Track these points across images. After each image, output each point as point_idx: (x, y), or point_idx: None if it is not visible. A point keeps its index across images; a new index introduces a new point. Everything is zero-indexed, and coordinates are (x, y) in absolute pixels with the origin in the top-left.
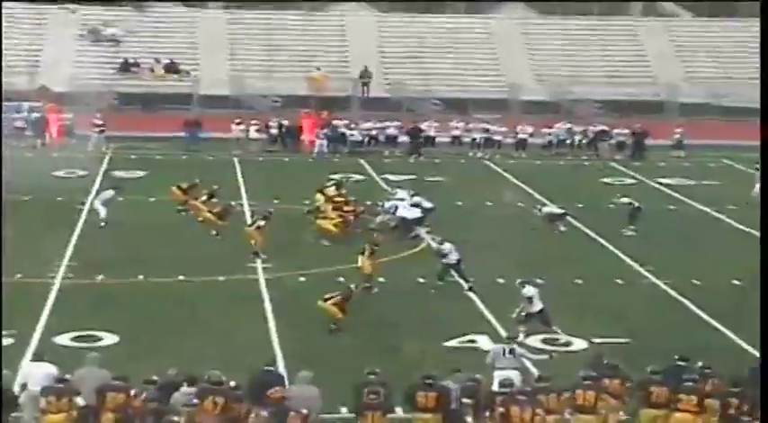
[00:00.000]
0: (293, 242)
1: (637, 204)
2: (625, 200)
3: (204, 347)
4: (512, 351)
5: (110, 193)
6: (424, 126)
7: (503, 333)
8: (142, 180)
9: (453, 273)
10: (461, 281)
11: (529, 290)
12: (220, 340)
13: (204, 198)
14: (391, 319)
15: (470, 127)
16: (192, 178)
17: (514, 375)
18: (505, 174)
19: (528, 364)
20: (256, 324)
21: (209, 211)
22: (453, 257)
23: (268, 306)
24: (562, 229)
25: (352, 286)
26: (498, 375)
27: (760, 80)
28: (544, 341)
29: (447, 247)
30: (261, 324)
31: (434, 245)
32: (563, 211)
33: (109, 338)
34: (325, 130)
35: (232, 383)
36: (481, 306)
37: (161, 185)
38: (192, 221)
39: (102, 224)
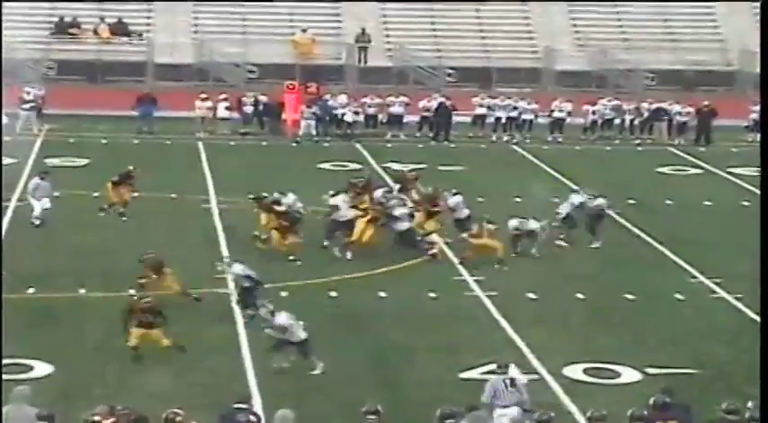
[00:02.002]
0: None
1: (605, 206)
2: (601, 202)
3: (161, 380)
4: (513, 382)
5: (44, 184)
6: (447, 102)
7: (534, 362)
8: (84, 170)
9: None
10: None
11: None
12: (181, 370)
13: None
14: (395, 344)
15: (494, 103)
16: (147, 167)
17: (516, 412)
18: (537, 161)
19: (566, 399)
20: (226, 350)
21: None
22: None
23: (241, 327)
24: (563, 244)
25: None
26: (501, 414)
27: (760, 79)
28: (586, 372)
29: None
30: (232, 350)
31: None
32: (537, 224)
33: (42, 368)
34: (312, 108)
35: None
36: (507, 327)
37: (107, 177)
38: (145, 222)
39: (37, 223)
